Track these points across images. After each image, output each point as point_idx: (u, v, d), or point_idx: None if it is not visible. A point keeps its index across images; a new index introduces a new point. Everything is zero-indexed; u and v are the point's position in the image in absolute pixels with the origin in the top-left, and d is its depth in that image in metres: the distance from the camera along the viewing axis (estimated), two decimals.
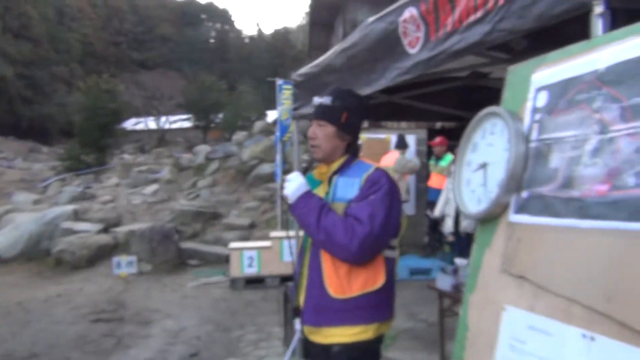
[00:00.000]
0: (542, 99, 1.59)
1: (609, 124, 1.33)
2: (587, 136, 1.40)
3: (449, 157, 8.38)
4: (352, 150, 2.32)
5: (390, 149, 9.26)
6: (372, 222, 2.05)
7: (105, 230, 11.19)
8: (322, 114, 2.26)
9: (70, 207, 12.12)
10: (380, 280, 2.17)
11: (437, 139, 8.70)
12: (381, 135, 10.18)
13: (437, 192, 8.32)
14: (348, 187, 2.19)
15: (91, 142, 27.37)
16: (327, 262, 2.16)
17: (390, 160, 8.63)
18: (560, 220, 1.44)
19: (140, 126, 43.81)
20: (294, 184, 2.16)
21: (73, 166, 24.82)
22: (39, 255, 10.20)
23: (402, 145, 8.71)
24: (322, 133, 2.24)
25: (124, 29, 60.86)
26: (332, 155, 2.27)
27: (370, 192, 2.13)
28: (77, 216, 11.56)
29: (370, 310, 2.18)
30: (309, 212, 2.10)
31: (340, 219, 2.09)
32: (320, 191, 2.30)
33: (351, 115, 2.26)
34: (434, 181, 8.61)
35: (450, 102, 4.94)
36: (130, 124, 42.42)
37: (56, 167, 26.81)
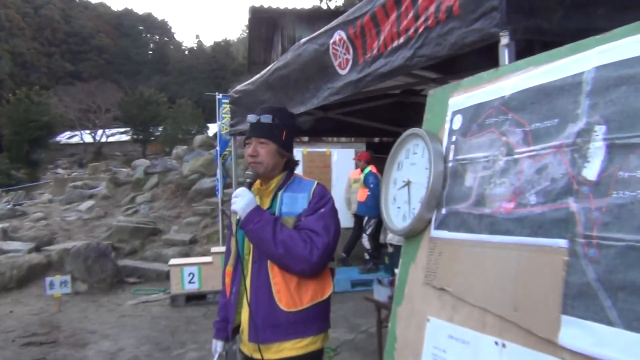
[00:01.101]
0: (457, 122, 1.71)
1: (514, 147, 1.45)
2: (496, 157, 1.51)
3: (367, 169, 8.63)
4: (290, 166, 2.38)
5: (331, 162, 9.44)
6: (327, 233, 2.15)
7: (37, 249, 10.74)
8: (264, 131, 2.28)
9: None
10: (328, 290, 2.25)
11: (360, 154, 8.98)
12: (322, 149, 10.32)
13: (359, 204, 8.52)
14: (294, 202, 2.25)
15: (21, 156, 26.23)
16: (276, 277, 2.18)
17: (356, 173, 8.96)
18: (474, 235, 1.54)
19: (76, 139, 42.30)
20: (243, 200, 2.15)
21: (2, 182, 23.65)
22: None
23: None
24: (264, 150, 2.26)
25: (57, 39, 58.79)
26: (273, 171, 2.31)
27: (319, 205, 2.21)
28: (6, 235, 11.03)
29: (319, 320, 2.25)
30: (264, 227, 2.11)
31: (296, 232, 2.15)
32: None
33: (289, 133, 2.34)
34: (357, 195, 8.78)
35: (385, 118, 5.09)
36: (64, 137, 40.91)
37: None
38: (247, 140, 2.34)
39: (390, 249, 7.38)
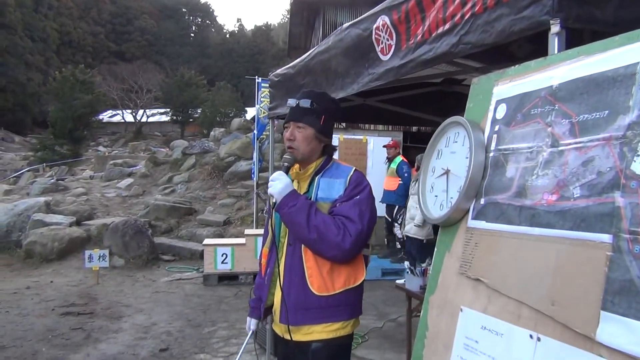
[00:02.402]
0: (501, 111, 1.67)
1: (560, 138, 1.42)
2: (540, 148, 1.48)
3: (398, 159, 8.53)
4: (329, 152, 2.37)
5: (367, 150, 9.40)
6: (362, 220, 2.14)
7: (77, 223, 11.08)
8: (302, 116, 2.28)
9: (42, 199, 11.95)
10: (360, 277, 2.25)
11: (390, 142, 8.90)
12: (358, 137, 10.29)
13: (389, 193, 8.45)
14: (331, 188, 2.23)
15: (65, 133, 26.96)
16: (309, 261, 2.19)
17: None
18: (513, 227, 1.52)
19: (117, 118, 43.29)
20: (280, 183, 2.16)
21: (46, 157, 24.45)
22: (8, 247, 10.06)
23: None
24: (301, 135, 2.26)
25: (103, 20, 60.00)
26: (310, 156, 2.31)
27: (355, 192, 2.20)
28: (49, 208, 11.41)
29: (350, 306, 2.25)
30: (298, 211, 2.11)
31: (330, 217, 2.15)
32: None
33: (329, 118, 2.33)
34: (387, 184, 8.70)
35: (424, 107, 5.02)
36: (106, 115, 41.89)
37: (28, 158, 26.37)
38: (285, 124, 2.35)
39: (424, 240, 7.32)
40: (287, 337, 2.24)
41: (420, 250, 7.43)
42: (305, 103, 2.28)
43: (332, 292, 2.18)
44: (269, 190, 2.18)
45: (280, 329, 2.32)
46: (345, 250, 2.11)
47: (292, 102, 2.33)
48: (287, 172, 2.25)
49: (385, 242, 9.25)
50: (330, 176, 2.28)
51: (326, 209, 2.20)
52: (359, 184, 2.23)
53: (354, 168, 2.30)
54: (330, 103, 2.40)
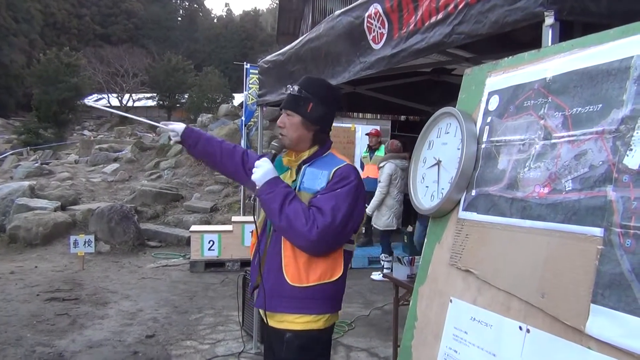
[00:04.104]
0: (494, 103, 1.67)
1: (552, 131, 1.42)
2: (532, 141, 1.48)
3: (382, 148, 8.61)
4: (320, 141, 2.32)
5: (355, 138, 9.42)
6: (334, 214, 2.08)
7: (62, 208, 10.96)
8: (289, 103, 2.28)
9: (26, 183, 11.79)
10: (337, 273, 2.21)
11: (372, 130, 8.97)
12: (347, 125, 10.28)
13: (372, 181, 8.51)
14: (315, 178, 2.21)
15: (50, 116, 26.63)
16: (287, 250, 2.19)
17: None
18: (504, 218, 1.52)
19: (103, 102, 42.78)
20: (261, 170, 2.17)
21: (30, 140, 24.13)
22: None
23: None
24: (289, 122, 2.26)
25: (88, 1, 59.01)
26: (299, 144, 2.29)
27: (337, 186, 2.15)
28: (33, 192, 11.27)
29: (324, 300, 2.22)
30: (274, 198, 2.12)
31: (303, 207, 2.12)
32: (287, 178, 2.32)
33: (317, 105, 2.25)
34: (369, 171, 8.76)
35: (414, 96, 5.01)
36: (92, 99, 41.35)
37: (12, 141, 25.99)
38: (280, 110, 2.37)
39: (410, 229, 7.37)
40: (267, 321, 2.30)
41: (382, 240, 7.54)
42: (294, 90, 2.28)
43: (305, 283, 2.17)
44: (252, 177, 2.20)
45: (261, 312, 2.34)
46: (312, 241, 2.08)
47: (289, 88, 2.34)
48: (273, 159, 2.24)
49: (363, 230, 9.29)
50: (318, 167, 2.25)
51: (307, 199, 2.17)
52: (343, 178, 2.16)
53: (346, 162, 2.24)
54: (320, 89, 2.31)
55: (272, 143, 2.30)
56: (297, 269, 2.17)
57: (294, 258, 2.18)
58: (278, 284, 2.21)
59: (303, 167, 2.28)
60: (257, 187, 2.19)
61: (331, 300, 2.25)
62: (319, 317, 2.22)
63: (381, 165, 7.51)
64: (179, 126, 2.59)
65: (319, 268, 2.18)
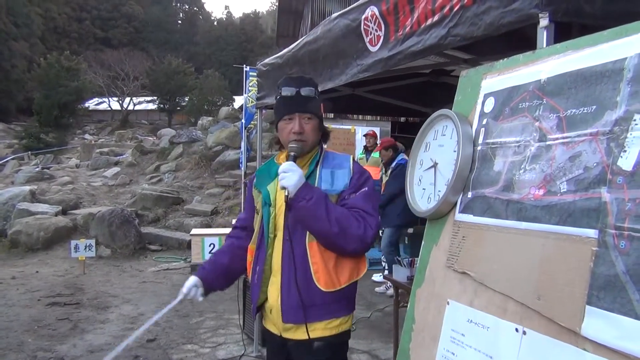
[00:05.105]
0: (490, 105, 1.67)
1: (547, 133, 1.42)
2: (527, 143, 1.48)
3: None
4: (326, 140, 2.26)
5: (355, 140, 9.44)
6: (376, 212, 2.08)
7: (63, 212, 10.99)
8: (308, 106, 2.12)
9: (27, 188, 11.82)
10: (363, 269, 2.17)
11: (370, 132, 9.02)
12: (346, 126, 10.28)
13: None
14: (335, 179, 2.12)
15: (51, 120, 26.69)
16: (315, 257, 2.07)
17: None
18: (500, 220, 1.52)
19: (103, 106, 42.89)
20: (294, 175, 1.96)
21: (31, 145, 24.19)
22: None
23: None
24: (309, 127, 2.11)
25: (88, 5, 59.17)
26: (314, 147, 2.20)
27: (360, 182, 2.12)
28: (34, 197, 11.29)
29: (350, 300, 2.19)
30: (317, 204, 1.95)
31: (344, 209, 2.03)
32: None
33: (321, 103, 2.21)
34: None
35: (413, 97, 5.02)
36: (92, 103, 41.47)
37: (13, 146, 26.05)
38: (288, 115, 2.13)
39: (410, 230, 7.36)
40: (288, 335, 2.14)
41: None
42: (310, 92, 2.12)
43: (338, 287, 2.09)
44: (282, 183, 1.97)
45: (277, 327, 2.18)
46: (367, 244, 2.03)
47: (289, 90, 2.12)
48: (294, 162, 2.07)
49: None
50: (330, 167, 2.16)
51: (333, 201, 2.09)
52: (362, 174, 2.15)
53: (351, 156, 2.22)
54: (316, 85, 2.25)
55: (291, 146, 2.10)
56: (329, 274, 2.08)
57: (324, 264, 2.07)
58: (306, 294, 2.07)
59: (318, 169, 2.16)
60: (289, 195, 1.97)
61: (354, 299, 2.21)
62: (347, 317, 2.18)
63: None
64: (190, 281, 2.33)
65: (347, 268, 2.12)
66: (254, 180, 2.31)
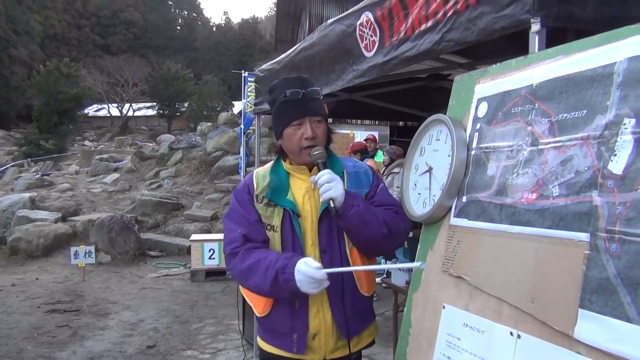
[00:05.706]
0: (483, 110, 1.68)
1: (539, 137, 1.42)
2: (520, 147, 1.49)
3: (380, 153, 8.69)
4: (329, 143, 2.13)
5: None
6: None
7: (63, 219, 10.99)
8: (317, 109, 1.99)
9: (27, 195, 11.82)
10: (375, 261, 2.17)
11: (370, 136, 9.11)
12: (345, 131, 10.30)
13: None
14: (359, 180, 2.06)
15: (50, 127, 26.71)
16: (357, 263, 1.99)
17: None
18: (494, 225, 1.53)
19: (103, 112, 42.96)
20: (339, 184, 1.84)
21: (31, 152, 24.22)
22: None
23: None
24: (320, 130, 1.98)
25: (87, 12, 59.41)
26: None
27: (376, 179, 2.11)
28: (34, 204, 11.30)
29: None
30: (366, 209, 1.87)
31: (382, 209, 1.98)
32: (301, 186, 2.02)
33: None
34: None
35: (410, 102, 5.03)
36: (92, 109, 41.54)
37: (13, 153, 26.08)
38: (296, 120, 1.95)
39: (411, 234, 7.38)
40: (332, 356, 1.98)
41: None
42: (315, 92, 1.98)
43: (373, 289, 2.08)
44: (330, 194, 1.81)
45: (319, 354, 1.97)
46: (405, 238, 2.02)
47: (295, 93, 1.93)
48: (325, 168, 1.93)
49: None
50: (350, 168, 2.08)
51: None
52: (374, 172, 2.14)
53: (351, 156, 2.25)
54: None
55: (314, 153, 1.94)
56: (368, 278, 2.04)
57: None
58: (353, 303, 1.98)
59: (344, 172, 2.05)
60: (335, 205, 1.82)
61: None
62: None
63: (396, 171, 7.54)
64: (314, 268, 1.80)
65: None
66: (266, 193, 2.00)
